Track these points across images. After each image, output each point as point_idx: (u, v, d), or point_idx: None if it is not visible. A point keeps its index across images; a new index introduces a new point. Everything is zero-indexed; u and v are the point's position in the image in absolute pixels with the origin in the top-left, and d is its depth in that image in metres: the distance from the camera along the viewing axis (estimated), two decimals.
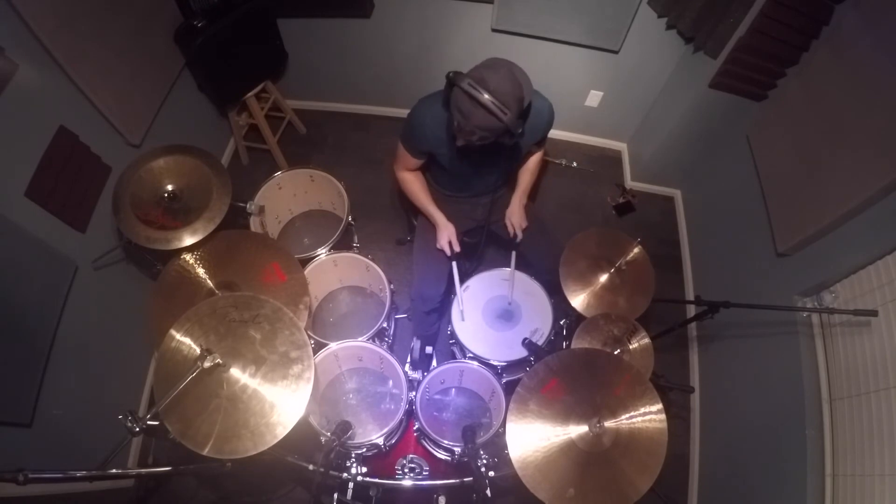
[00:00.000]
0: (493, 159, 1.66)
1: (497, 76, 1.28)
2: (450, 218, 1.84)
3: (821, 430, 1.56)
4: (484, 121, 1.29)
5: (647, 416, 1.27)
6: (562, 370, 1.33)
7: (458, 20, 2.42)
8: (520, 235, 1.87)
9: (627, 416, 1.27)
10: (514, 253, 1.93)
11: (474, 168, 1.71)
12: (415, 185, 1.82)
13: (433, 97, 1.57)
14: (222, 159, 2.90)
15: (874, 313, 1.36)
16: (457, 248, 1.84)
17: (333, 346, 1.71)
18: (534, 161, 1.87)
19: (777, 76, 2.03)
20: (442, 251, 1.84)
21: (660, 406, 1.27)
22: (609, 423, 1.26)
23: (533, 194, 1.93)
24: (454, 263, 1.88)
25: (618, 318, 1.63)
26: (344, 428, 1.46)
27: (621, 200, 2.89)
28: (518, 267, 1.94)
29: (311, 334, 1.65)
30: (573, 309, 1.73)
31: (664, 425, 1.26)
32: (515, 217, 1.87)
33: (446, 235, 1.82)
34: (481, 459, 1.41)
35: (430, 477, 1.67)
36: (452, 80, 1.31)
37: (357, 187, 2.41)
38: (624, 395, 1.29)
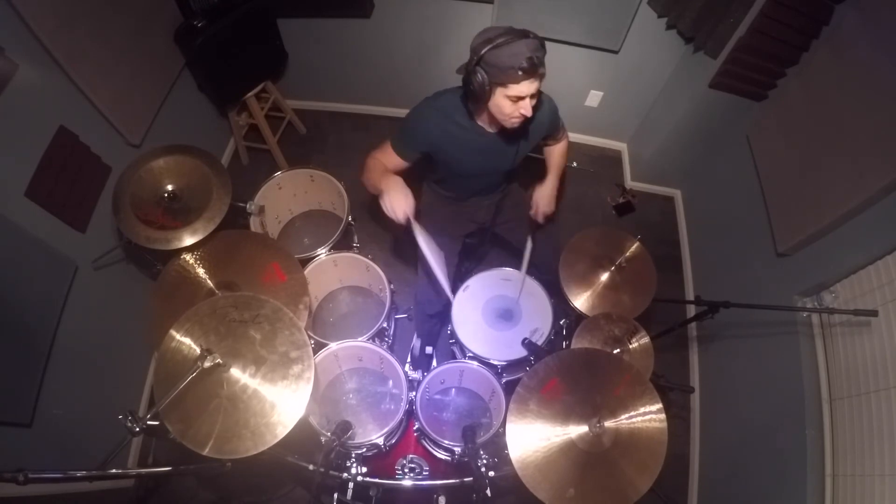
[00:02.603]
0: (499, 156, 1.66)
1: (493, 29, 1.32)
2: (451, 220, 1.82)
3: (821, 430, 1.56)
4: (530, 45, 1.29)
5: (647, 416, 1.27)
6: (562, 370, 1.32)
7: (458, 20, 2.42)
8: (540, 219, 1.80)
9: (627, 416, 1.27)
10: (527, 252, 1.81)
11: (479, 167, 1.70)
12: (376, 167, 1.59)
13: (435, 97, 1.56)
14: (222, 159, 2.91)
15: (874, 313, 1.36)
16: (410, 212, 1.49)
17: (333, 346, 1.71)
18: (561, 147, 1.83)
19: (777, 76, 2.03)
20: (446, 247, 1.71)
21: (660, 406, 1.27)
22: (609, 423, 1.26)
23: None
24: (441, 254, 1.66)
25: (618, 319, 1.63)
26: (344, 428, 1.46)
27: (621, 200, 2.89)
28: (519, 265, 1.93)
29: (311, 334, 1.65)
30: (573, 309, 1.73)
31: (664, 425, 1.26)
32: (544, 201, 1.79)
33: (390, 200, 1.47)
34: (481, 459, 1.41)
35: (430, 477, 1.67)
36: (479, 57, 1.31)
37: (357, 187, 2.37)
38: (624, 395, 1.29)
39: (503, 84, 1.34)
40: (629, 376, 1.32)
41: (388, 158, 1.61)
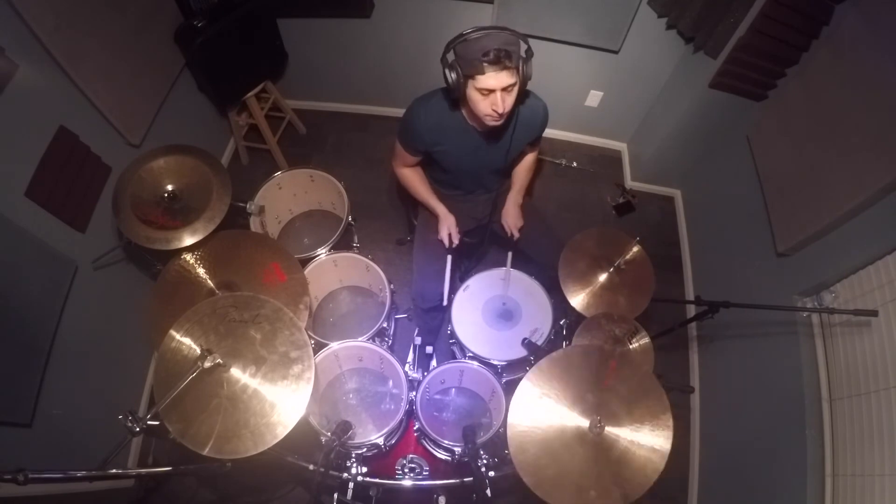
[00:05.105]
0: (491, 155, 1.66)
1: (476, 28, 1.35)
2: None
3: (821, 430, 1.56)
4: (498, 38, 1.32)
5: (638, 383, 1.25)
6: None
7: (458, 20, 2.42)
8: (516, 235, 1.87)
9: (622, 399, 1.25)
10: (510, 253, 1.91)
11: (472, 164, 1.71)
12: (414, 179, 1.83)
13: (427, 95, 1.59)
14: (222, 159, 2.91)
15: (874, 313, 1.36)
16: (456, 240, 1.83)
17: (334, 345, 1.71)
18: (528, 161, 1.88)
19: (777, 76, 2.03)
20: (441, 244, 1.84)
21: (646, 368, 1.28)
22: (606, 413, 1.23)
23: (531, 192, 1.93)
24: (449, 257, 1.87)
25: (619, 318, 1.63)
26: (344, 428, 1.46)
27: (621, 200, 2.89)
28: (519, 265, 1.94)
29: (312, 334, 1.65)
30: (573, 308, 1.73)
31: (657, 385, 1.24)
32: (511, 217, 1.88)
33: (446, 226, 1.82)
34: (481, 459, 1.41)
35: (430, 477, 1.67)
36: (450, 50, 1.35)
37: (357, 187, 2.41)
38: (613, 384, 1.26)
39: (472, 76, 1.35)
40: (614, 363, 1.30)
41: (403, 158, 1.74)
